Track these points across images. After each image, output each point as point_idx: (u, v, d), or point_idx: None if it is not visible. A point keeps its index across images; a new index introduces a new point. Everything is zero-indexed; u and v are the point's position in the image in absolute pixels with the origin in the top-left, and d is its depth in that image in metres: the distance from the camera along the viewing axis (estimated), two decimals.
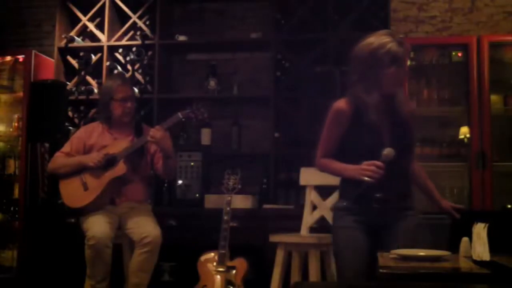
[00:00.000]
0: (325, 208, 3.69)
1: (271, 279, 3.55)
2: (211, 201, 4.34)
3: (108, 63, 4.84)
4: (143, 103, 4.69)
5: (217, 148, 4.77)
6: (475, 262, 2.17)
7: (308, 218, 3.74)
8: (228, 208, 3.80)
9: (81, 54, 4.97)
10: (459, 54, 4.31)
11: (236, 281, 3.72)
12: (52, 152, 4.18)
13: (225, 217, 3.77)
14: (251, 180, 4.48)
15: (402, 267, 2.05)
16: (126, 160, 3.63)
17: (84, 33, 5.07)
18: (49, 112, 4.53)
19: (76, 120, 4.93)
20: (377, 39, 2.54)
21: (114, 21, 4.96)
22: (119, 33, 4.91)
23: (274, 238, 3.59)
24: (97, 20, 4.99)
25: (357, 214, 2.60)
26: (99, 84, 4.79)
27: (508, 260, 2.09)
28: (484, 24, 4.69)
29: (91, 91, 4.83)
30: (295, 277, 3.64)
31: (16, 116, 4.90)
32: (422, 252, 2.22)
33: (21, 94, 4.84)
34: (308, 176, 3.77)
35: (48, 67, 4.98)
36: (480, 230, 2.25)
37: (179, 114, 3.68)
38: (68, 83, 4.92)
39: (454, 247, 2.37)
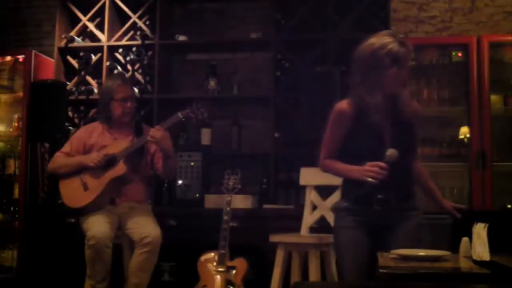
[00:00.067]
0: (325, 208, 3.69)
1: (271, 279, 3.55)
2: (211, 201, 4.34)
3: (108, 63, 4.84)
4: (143, 103, 4.69)
5: (217, 148, 4.77)
6: (475, 262, 2.17)
7: (308, 218, 3.74)
8: (228, 208, 3.80)
9: (81, 54, 4.97)
10: (459, 54, 4.31)
11: (236, 281, 3.71)
12: (52, 152, 4.18)
13: (225, 217, 3.77)
14: (251, 180, 4.48)
15: (402, 267, 2.05)
16: (126, 160, 3.63)
17: (84, 33, 5.07)
18: (49, 112, 4.53)
19: (76, 120, 4.93)
20: (379, 40, 2.54)
21: (114, 21, 4.96)
22: (119, 33, 4.91)
23: (274, 238, 3.59)
24: (97, 20, 4.99)
25: (357, 214, 2.60)
26: (99, 84, 4.79)
27: (508, 260, 2.09)
28: (484, 24, 4.69)
29: (91, 91, 4.83)
30: (295, 277, 3.64)
31: (16, 116, 4.90)
32: (422, 252, 2.22)
33: (21, 94, 4.84)
34: (308, 176, 3.77)
35: (48, 67, 4.98)
36: (480, 230, 2.25)
37: (179, 114, 3.68)
38: (68, 83, 4.92)
39: (455, 247, 2.37)
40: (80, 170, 3.66)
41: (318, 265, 3.45)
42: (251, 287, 3.80)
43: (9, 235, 4.76)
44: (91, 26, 4.99)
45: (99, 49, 4.90)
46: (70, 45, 4.94)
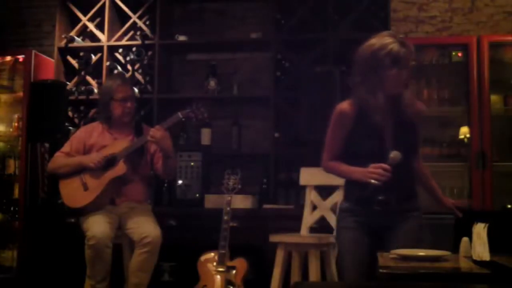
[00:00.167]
0: (325, 208, 3.69)
1: (271, 279, 3.55)
2: (211, 201, 4.34)
3: (108, 63, 4.84)
4: (143, 103, 4.69)
5: (217, 148, 4.77)
6: (475, 262, 2.17)
7: (308, 218, 3.74)
8: (228, 208, 3.80)
9: (81, 54, 4.97)
10: (459, 54, 4.31)
11: (236, 281, 3.71)
12: (52, 152, 4.17)
13: (225, 217, 3.77)
14: (251, 180, 4.48)
15: (402, 267, 2.05)
16: (126, 160, 3.63)
17: (84, 33, 5.07)
18: (49, 112, 4.53)
19: (76, 120, 4.93)
20: (379, 40, 2.53)
21: (114, 21, 4.95)
22: (119, 33, 4.91)
23: (274, 238, 3.59)
24: (97, 20, 4.99)
25: (358, 215, 2.61)
26: (99, 84, 4.79)
27: (508, 260, 2.09)
28: (484, 24, 4.69)
29: (91, 91, 4.83)
30: (295, 277, 3.64)
31: (16, 116, 4.90)
32: (422, 252, 2.22)
33: (21, 94, 4.84)
34: (308, 176, 3.77)
35: (48, 67, 4.98)
36: (480, 230, 2.25)
37: (179, 114, 3.68)
38: (68, 83, 4.92)
39: (456, 247, 2.37)
40: (80, 170, 3.66)
41: (318, 265, 3.45)
42: (251, 287, 3.80)
43: (9, 235, 4.76)
44: (91, 26, 4.99)
45: (99, 49, 4.90)
46: (70, 45, 4.94)
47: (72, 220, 4.04)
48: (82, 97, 4.85)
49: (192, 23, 5.07)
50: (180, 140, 4.72)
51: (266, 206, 4.36)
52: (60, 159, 3.76)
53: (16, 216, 4.74)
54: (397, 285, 1.93)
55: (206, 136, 4.73)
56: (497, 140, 4.19)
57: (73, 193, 3.65)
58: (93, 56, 4.92)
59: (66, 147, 3.81)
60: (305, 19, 4.61)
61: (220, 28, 5.04)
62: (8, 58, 5.00)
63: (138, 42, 4.84)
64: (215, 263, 3.75)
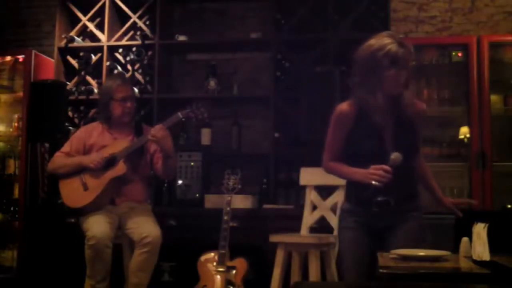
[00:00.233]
0: (325, 208, 3.69)
1: (271, 279, 3.55)
2: (211, 201, 4.34)
3: (108, 63, 4.84)
4: (143, 103, 4.69)
5: (217, 148, 4.77)
6: (475, 262, 2.17)
7: (308, 218, 3.74)
8: (228, 208, 3.80)
9: (81, 54, 4.97)
10: (459, 54, 4.31)
11: (236, 281, 3.71)
12: (52, 152, 4.17)
13: (225, 217, 3.77)
14: (251, 180, 4.49)
15: (402, 267, 2.05)
16: (126, 160, 3.63)
17: (84, 33, 5.07)
18: (49, 112, 4.53)
19: (76, 120, 4.93)
20: (378, 41, 2.53)
21: (114, 21, 4.95)
22: (119, 33, 4.91)
23: (274, 238, 3.59)
24: (97, 20, 4.99)
25: (358, 215, 2.61)
26: (99, 84, 4.79)
27: (508, 260, 2.09)
28: (484, 24, 4.69)
29: (91, 91, 4.83)
30: (295, 277, 3.64)
31: (16, 116, 4.90)
32: (422, 252, 2.22)
33: (21, 94, 4.84)
34: (308, 176, 3.77)
35: (48, 67, 4.98)
36: (480, 230, 2.25)
37: (179, 114, 3.68)
38: (68, 83, 4.92)
39: (456, 247, 2.37)
40: (80, 170, 3.66)
41: (318, 265, 3.45)
42: (251, 287, 3.80)
43: (9, 235, 4.76)
44: (91, 26, 4.99)
45: (99, 49, 4.90)
46: (70, 45, 4.94)
47: (72, 220, 4.04)
48: (82, 97, 4.85)
49: (192, 23, 5.07)
50: (180, 140, 4.72)
51: (266, 206, 4.36)
52: (60, 159, 3.76)
53: (16, 216, 4.74)
54: (397, 285, 1.93)
55: (206, 136, 4.73)
56: (497, 140, 4.19)
57: (73, 193, 3.65)
58: (93, 56, 4.92)
59: (66, 147, 3.81)
60: (305, 19, 4.61)
61: (220, 28, 5.04)
62: (8, 58, 5.00)
63: (138, 42, 4.84)
64: (215, 263, 3.75)
